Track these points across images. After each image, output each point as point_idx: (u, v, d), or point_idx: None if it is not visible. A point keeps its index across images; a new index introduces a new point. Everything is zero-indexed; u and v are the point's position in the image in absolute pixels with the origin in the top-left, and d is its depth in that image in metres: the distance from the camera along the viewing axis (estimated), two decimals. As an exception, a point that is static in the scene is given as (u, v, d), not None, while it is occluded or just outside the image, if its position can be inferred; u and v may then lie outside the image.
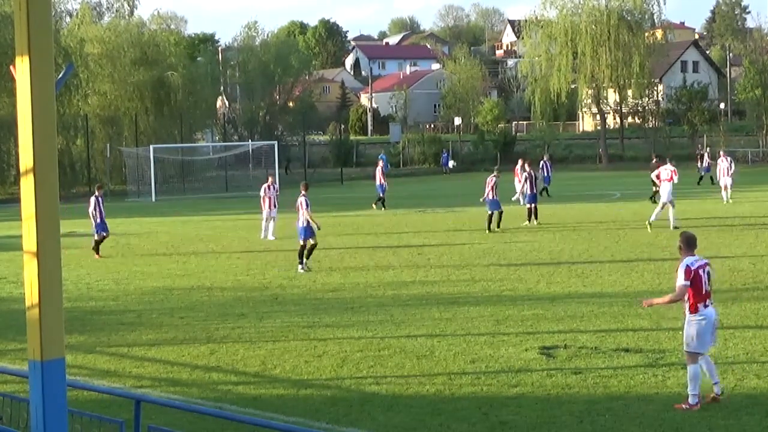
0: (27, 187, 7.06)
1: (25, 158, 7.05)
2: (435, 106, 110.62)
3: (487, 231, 28.69)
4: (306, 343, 14.51)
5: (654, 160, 39.14)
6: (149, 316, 17.16)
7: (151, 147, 54.43)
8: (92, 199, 26.02)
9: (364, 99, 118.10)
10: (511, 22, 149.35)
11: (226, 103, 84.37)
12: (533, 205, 31.22)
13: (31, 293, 7.08)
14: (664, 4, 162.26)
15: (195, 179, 62.14)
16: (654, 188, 35.16)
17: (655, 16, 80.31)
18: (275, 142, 59.12)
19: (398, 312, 16.71)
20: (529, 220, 30.88)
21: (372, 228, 30.31)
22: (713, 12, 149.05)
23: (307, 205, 22.12)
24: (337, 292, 19.14)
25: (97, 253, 25.57)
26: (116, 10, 71.17)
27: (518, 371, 12.51)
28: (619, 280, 19.59)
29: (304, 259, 22.09)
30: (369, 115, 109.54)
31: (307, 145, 71.23)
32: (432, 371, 12.67)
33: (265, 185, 29.77)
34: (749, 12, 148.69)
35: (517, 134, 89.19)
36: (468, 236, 28.24)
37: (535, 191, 31.67)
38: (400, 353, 13.67)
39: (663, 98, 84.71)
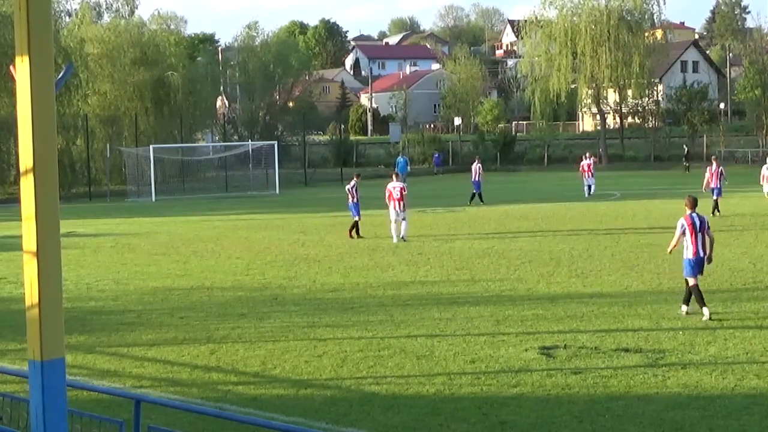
0: (27, 187, 7.04)
1: (25, 158, 7.04)
2: (435, 106, 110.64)
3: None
4: (306, 343, 14.51)
5: None
6: (149, 316, 17.15)
7: (151, 147, 54.42)
8: (357, 186, 29.11)
9: (364, 99, 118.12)
10: (511, 22, 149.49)
11: (226, 103, 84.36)
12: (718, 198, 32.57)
13: (31, 293, 7.07)
14: (664, 4, 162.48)
15: (195, 179, 62.12)
16: None
17: (655, 16, 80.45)
18: (275, 142, 59.12)
19: (398, 312, 16.71)
20: (717, 210, 32.16)
21: (372, 228, 30.27)
22: (713, 12, 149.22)
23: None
24: (337, 292, 19.13)
25: (351, 235, 28.35)
26: (116, 10, 71.21)
27: (518, 371, 12.50)
28: (619, 280, 19.58)
29: (697, 304, 15.50)
30: (369, 115, 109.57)
31: (307, 145, 71.21)
32: (432, 371, 12.66)
33: (399, 185, 27.65)
34: (749, 12, 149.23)
35: (517, 134, 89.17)
36: (468, 236, 28.24)
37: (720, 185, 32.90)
38: (400, 353, 13.66)
39: (663, 98, 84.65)
